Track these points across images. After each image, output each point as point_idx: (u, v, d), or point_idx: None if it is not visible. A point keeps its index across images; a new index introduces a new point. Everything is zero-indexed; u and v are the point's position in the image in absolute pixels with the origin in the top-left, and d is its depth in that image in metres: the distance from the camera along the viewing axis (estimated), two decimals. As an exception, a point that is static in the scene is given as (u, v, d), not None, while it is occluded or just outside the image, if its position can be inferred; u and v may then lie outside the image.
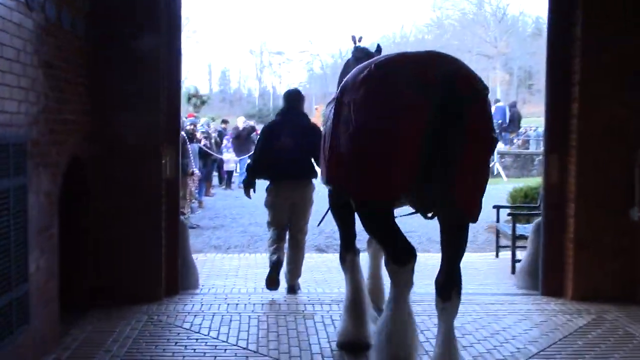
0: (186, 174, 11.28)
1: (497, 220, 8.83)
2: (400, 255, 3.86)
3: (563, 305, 5.95)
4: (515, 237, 7.64)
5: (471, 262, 8.41)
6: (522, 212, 9.08)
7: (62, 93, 4.85)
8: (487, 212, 12.97)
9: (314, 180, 6.21)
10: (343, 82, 4.23)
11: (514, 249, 7.66)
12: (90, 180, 5.66)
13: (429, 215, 3.99)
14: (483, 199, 3.98)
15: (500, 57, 71.58)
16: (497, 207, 8.94)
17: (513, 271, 7.52)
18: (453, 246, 3.99)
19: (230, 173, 17.23)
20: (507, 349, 4.79)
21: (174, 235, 6.13)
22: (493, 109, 21.41)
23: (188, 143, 11.43)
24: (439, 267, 4.04)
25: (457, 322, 5.03)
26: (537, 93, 75.27)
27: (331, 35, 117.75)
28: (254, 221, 12.05)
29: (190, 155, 11.42)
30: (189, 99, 20.22)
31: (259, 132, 19.98)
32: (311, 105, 79.95)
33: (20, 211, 4.00)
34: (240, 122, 18.23)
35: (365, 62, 4.11)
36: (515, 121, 20.10)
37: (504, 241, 8.90)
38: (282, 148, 6.10)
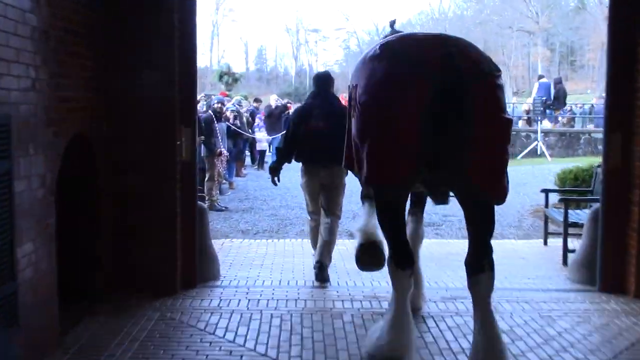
0: (213, 154, 10.77)
1: (546, 205, 8.07)
2: (401, 259, 3.86)
3: (625, 305, 5.24)
4: (568, 225, 6.88)
5: (517, 250, 7.73)
6: (573, 197, 8.28)
7: (60, 67, 4.30)
8: (532, 195, 12.26)
9: None
10: (356, 67, 4.15)
11: (565, 237, 6.91)
12: (98, 164, 5.15)
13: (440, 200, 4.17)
14: (510, 180, 3.83)
15: (541, 32, 69.57)
16: (546, 191, 8.18)
17: (565, 262, 6.78)
18: (479, 231, 3.83)
19: (262, 152, 16.66)
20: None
21: (192, 222, 5.59)
22: (536, 85, 20.56)
23: (215, 122, 10.89)
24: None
25: (505, 325, 4.50)
26: (579, 69, 73.23)
27: (368, 12, 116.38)
28: (285, 204, 11.49)
29: (218, 134, 10.89)
30: (221, 77, 19.59)
31: (291, 110, 19.40)
32: (348, 83, 78.87)
33: (4, 200, 3.48)
34: (273, 100, 17.60)
35: (374, 45, 4.03)
36: (560, 98, 19.01)
37: (552, 227, 8.16)
38: (312, 132, 5.95)
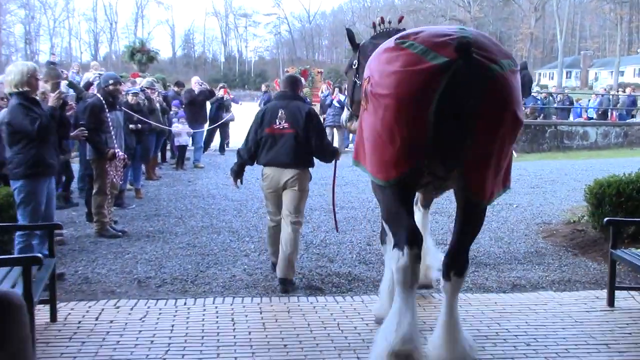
0: (104, 157, 7.31)
1: (613, 245, 5.12)
2: (409, 237, 3.57)
3: None
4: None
5: (576, 318, 4.77)
6: None
7: None
8: (527, 207, 9.38)
9: (310, 170, 5.76)
10: (368, 61, 3.95)
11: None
12: None
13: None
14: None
15: (472, 22, 68.51)
16: (612, 223, 5.23)
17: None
18: (462, 232, 3.71)
19: (182, 149, 13.07)
20: None
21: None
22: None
23: (107, 110, 7.41)
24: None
25: None
26: (507, 60, 72.73)
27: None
28: (208, 223, 8.14)
29: (111, 127, 7.42)
30: (132, 54, 15.60)
31: (220, 96, 15.97)
32: (279, 70, 76.24)
33: None
34: (195, 84, 14.00)
35: (389, 39, 3.79)
36: (526, 85, 16.32)
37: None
38: (276, 133, 5.59)
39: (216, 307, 4.97)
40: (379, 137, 3.53)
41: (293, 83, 5.95)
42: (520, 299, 5.29)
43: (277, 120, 5.55)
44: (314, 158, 5.67)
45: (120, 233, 7.40)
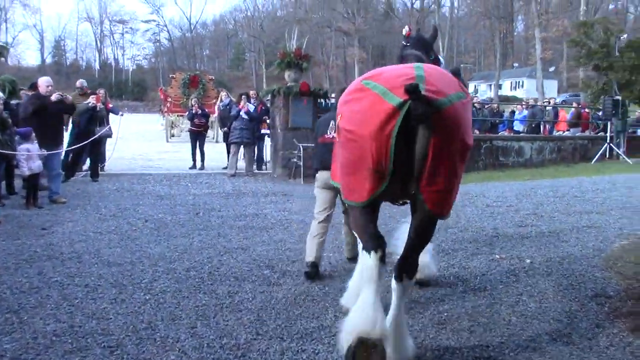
0: None
1: None
2: (371, 240, 3.89)
3: None
4: None
5: None
6: None
7: None
8: (566, 265, 6.11)
9: None
10: (340, 97, 4.32)
11: None
12: None
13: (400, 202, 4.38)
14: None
15: (357, 34, 67.49)
16: None
17: None
18: (414, 243, 4.00)
19: (33, 177, 8.98)
20: None
21: None
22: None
23: None
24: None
25: None
26: (389, 72, 72.58)
27: (179, 4, 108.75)
28: (67, 324, 4.41)
29: None
30: None
31: (92, 104, 12.01)
32: (158, 80, 70.69)
33: None
34: (43, 86, 9.72)
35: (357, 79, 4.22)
36: (460, 94, 13.80)
37: None
38: (327, 142, 5.91)
39: None
40: (350, 167, 3.87)
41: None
42: None
43: (328, 130, 5.94)
44: None
45: None
